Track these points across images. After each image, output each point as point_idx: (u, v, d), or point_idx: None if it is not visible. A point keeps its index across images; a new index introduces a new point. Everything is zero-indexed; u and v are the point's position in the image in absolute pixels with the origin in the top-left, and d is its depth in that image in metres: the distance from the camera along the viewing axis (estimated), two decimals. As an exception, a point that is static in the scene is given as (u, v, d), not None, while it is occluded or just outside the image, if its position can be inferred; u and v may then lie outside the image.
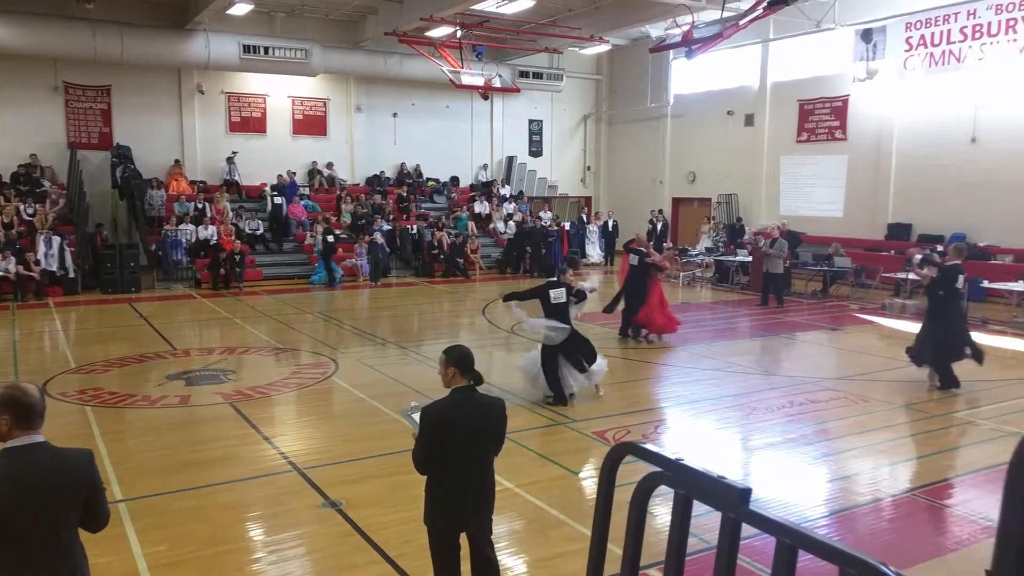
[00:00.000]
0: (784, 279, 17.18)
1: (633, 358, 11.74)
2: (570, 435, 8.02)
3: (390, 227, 21.92)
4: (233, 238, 19.76)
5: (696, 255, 21.62)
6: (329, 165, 24.18)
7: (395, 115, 25.19)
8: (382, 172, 25.06)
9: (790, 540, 1.24)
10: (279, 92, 23.40)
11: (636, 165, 27.71)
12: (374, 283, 20.18)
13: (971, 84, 17.79)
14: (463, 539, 4.21)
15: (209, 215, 20.61)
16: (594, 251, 25.04)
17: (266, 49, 21.14)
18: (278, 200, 21.86)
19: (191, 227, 19.93)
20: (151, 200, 20.34)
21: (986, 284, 15.31)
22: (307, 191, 23.20)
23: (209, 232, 19.86)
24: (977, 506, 6.08)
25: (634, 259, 12.57)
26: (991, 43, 17.09)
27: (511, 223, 24.20)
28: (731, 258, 20.26)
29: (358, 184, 24.69)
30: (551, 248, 22.75)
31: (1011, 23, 16.70)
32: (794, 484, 6.78)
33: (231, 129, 22.90)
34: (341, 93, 24.37)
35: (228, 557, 5.25)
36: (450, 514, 4.05)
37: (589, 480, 6.83)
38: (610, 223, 25.19)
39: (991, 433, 7.96)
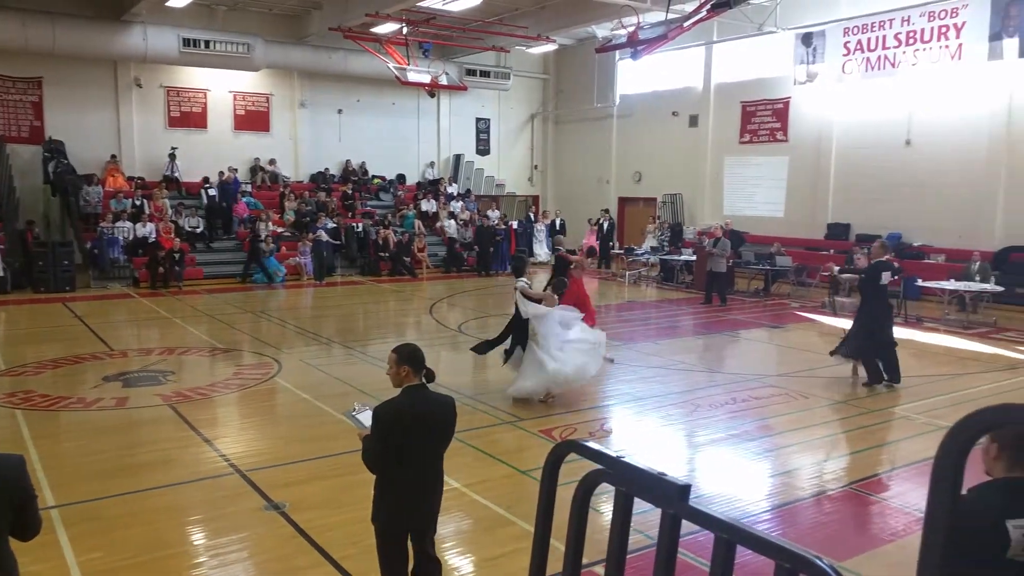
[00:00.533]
0: (727, 278, 17.49)
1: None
2: (517, 434, 8.01)
3: (335, 225, 21.64)
4: (172, 236, 19.26)
5: (642, 254, 21.86)
6: (272, 162, 23.75)
7: (340, 111, 24.88)
8: (327, 169, 24.73)
9: (727, 535, 1.24)
10: (220, 87, 22.89)
11: (583, 164, 27.89)
12: (319, 282, 19.90)
13: (905, 88, 18.35)
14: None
15: (147, 212, 20.05)
16: (541, 250, 25.12)
17: (207, 43, 20.66)
18: (212, 192, 21.35)
19: (128, 224, 19.36)
20: (86, 196, 19.69)
21: (920, 283, 15.80)
22: (249, 188, 22.75)
23: (147, 230, 19.33)
24: (912, 498, 6.26)
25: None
26: (924, 49, 17.66)
27: (457, 221, 24.11)
28: (675, 257, 20.54)
29: (302, 181, 24.32)
30: (499, 247, 22.76)
31: (943, 30, 17.28)
32: (737, 479, 6.89)
33: (170, 124, 22.32)
34: (285, 88, 23.97)
35: (167, 562, 5.11)
36: (400, 513, 4.02)
37: (536, 478, 6.82)
38: (557, 222, 25.30)
39: (924, 427, 8.21)
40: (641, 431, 8.30)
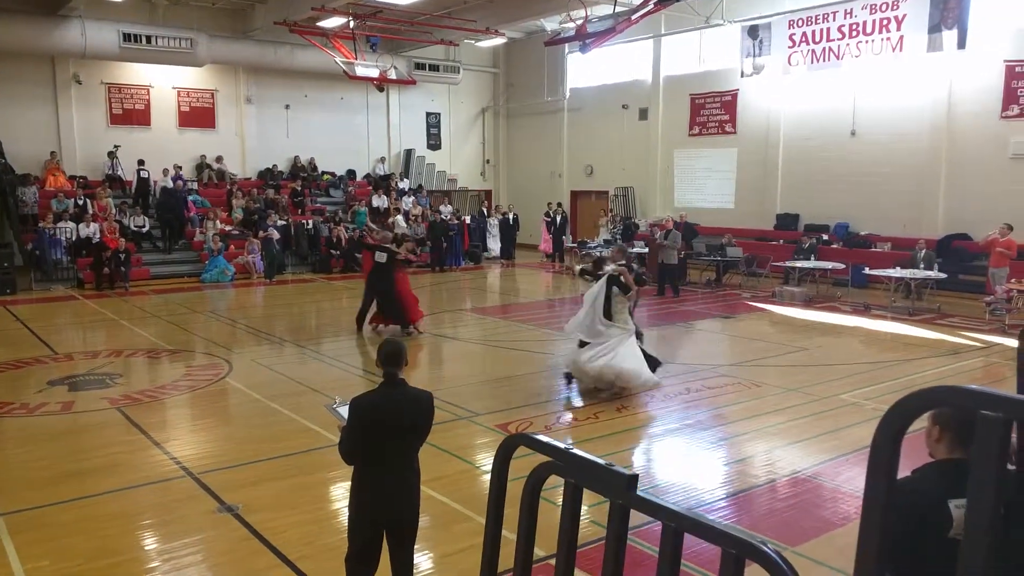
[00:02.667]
0: (679, 269, 17.69)
1: (535, 350, 11.81)
2: (473, 429, 7.98)
3: (284, 222, 21.30)
4: (117, 236, 18.74)
5: (594, 247, 21.96)
6: (219, 159, 23.28)
7: (287, 107, 24.49)
8: (275, 166, 24.33)
9: (675, 524, 1.23)
10: (164, 83, 22.34)
11: (535, 158, 27.93)
12: (269, 280, 19.57)
13: (850, 80, 18.74)
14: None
15: (91, 212, 19.47)
16: (495, 245, 25.09)
17: (148, 38, 20.11)
18: (144, 174, 20.99)
19: (71, 225, 18.78)
20: (23, 196, 19.05)
21: (867, 271, 16.17)
22: (195, 186, 22.26)
23: (91, 230, 18.77)
24: (861, 483, 6.35)
25: (382, 256, 12.35)
26: (867, 41, 18.03)
27: (409, 217, 23.91)
28: (628, 250, 20.66)
29: (250, 178, 23.88)
30: (452, 242, 22.66)
31: (884, 22, 17.67)
32: (692, 468, 6.96)
33: (112, 122, 21.71)
34: (230, 84, 23.49)
35: (117, 569, 4.99)
36: (374, 505, 4.02)
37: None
38: (510, 216, 25.28)
39: (872, 413, 8.39)
40: (597, 423, 8.33)
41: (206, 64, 21.94)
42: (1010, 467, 3.09)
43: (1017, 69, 16.14)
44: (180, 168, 21.94)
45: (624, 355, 8.75)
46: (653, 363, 9.13)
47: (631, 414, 8.52)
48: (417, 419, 4.08)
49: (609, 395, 9.00)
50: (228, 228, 20.80)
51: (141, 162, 21.14)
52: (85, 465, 6.84)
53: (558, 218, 24.36)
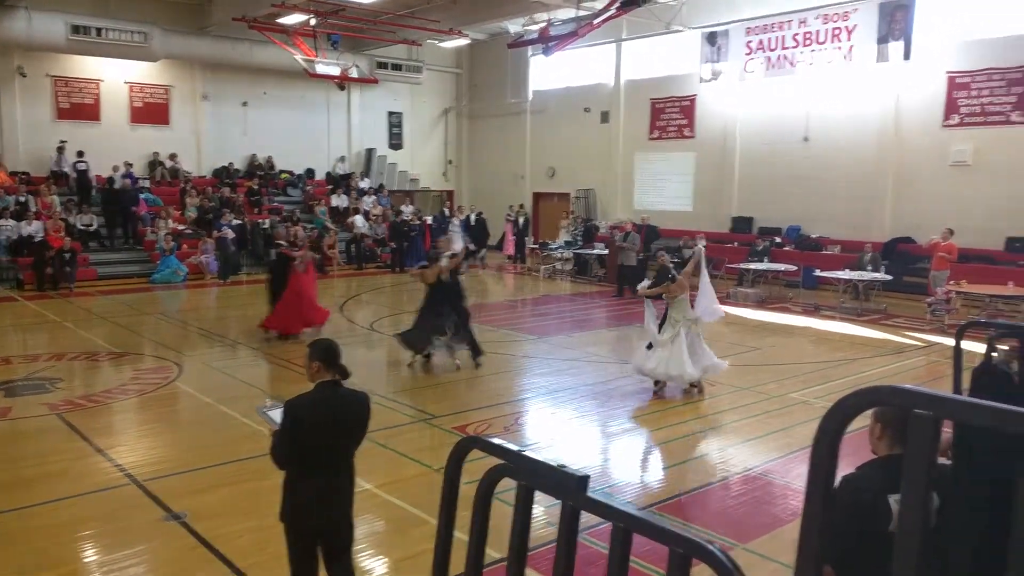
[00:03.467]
0: (638, 271, 17.83)
1: (496, 351, 11.81)
2: (430, 431, 7.96)
3: (240, 222, 20.97)
4: (62, 235, 18.22)
5: (556, 248, 22.08)
6: (173, 156, 22.83)
7: (245, 104, 24.12)
8: (231, 164, 23.93)
9: (624, 524, 1.24)
10: (115, 77, 21.82)
11: (497, 160, 27.94)
12: (223, 281, 19.24)
13: (803, 87, 19.12)
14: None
15: (34, 210, 18.89)
16: (458, 246, 24.93)
17: (99, 30, 19.60)
18: (82, 167, 20.46)
19: (12, 223, 18.20)
20: (-38, 193, 18.45)
21: (818, 273, 16.50)
22: (148, 184, 21.79)
23: (33, 228, 18.20)
24: (810, 479, 6.51)
25: (271, 252, 12.13)
26: (819, 50, 18.43)
27: (369, 217, 23.72)
28: (589, 251, 20.83)
29: (205, 176, 23.47)
30: (413, 243, 22.55)
31: (836, 32, 18.08)
32: (648, 467, 7.03)
33: (59, 116, 21.12)
34: (185, 80, 23.05)
35: (56, 581, 4.84)
36: (310, 510, 3.93)
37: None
38: (472, 217, 25.23)
39: (821, 411, 8.39)
40: (555, 423, 8.36)
41: (160, 59, 21.50)
42: (944, 461, 3.19)
43: (958, 80, 16.63)
44: (131, 165, 21.45)
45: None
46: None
47: (589, 413, 8.57)
48: (354, 421, 4.00)
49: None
50: (181, 227, 20.40)
51: (80, 153, 20.54)
52: (23, 474, 6.61)
53: (520, 220, 24.40)
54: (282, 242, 12.42)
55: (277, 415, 4.01)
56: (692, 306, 9.08)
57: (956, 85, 16.69)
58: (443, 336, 10.00)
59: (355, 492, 4.11)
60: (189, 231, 20.41)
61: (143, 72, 22.14)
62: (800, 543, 1.17)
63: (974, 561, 2.74)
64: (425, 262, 12.60)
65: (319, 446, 3.86)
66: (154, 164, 22.57)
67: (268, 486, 6.40)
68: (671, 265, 9.40)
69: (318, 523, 3.98)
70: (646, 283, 9.46)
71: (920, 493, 1.05)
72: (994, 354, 3.28)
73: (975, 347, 3.39)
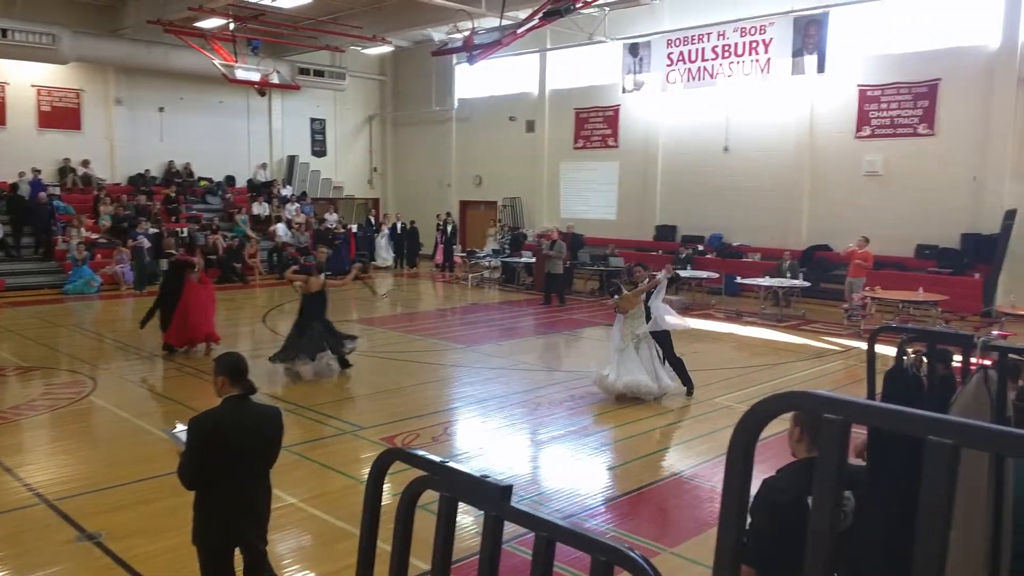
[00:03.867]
0: (564, 279, 18.02)
1: (424, 360, 11.73)
2: (357, 443, 7.84)
3: (157, 231, 20.29)
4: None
5: (483, 257, 22.10)
6: (85, 163, 21.95)
7: (162, 110, 23.39)
8: (147, 171, 23.15)
9: (546, 533, 1.24)
10: (21, 80, 20.86)
11: (423, 167, 27.82)
12: (139, 291, 18.52)
13: (723, 98, 19.68)
14: (239, 557, 3.97)
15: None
16: (387, 255, 24.73)
17: (3, 31, 18.72)
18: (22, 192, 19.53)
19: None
20: None
21: (739, 280, 16.96)
22: (58, 191, 20.87)
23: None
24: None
25: (162, 263, 11.55)
26: (738, 62, 19.01)
27: (292, 225, 23.27)
28: (516, 260, 20.93)
29: (119, 183, 22.63)
30: (338, 251, 22.21)
31: (753, 45, 18.68)
32: (577, 475, 7.08)
33: (-39, 120, 20.09)
34: (98, 84, 22.21)
35: (-44, 611, 4.57)
36: (221, 531, 3.83)
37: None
38: (398, 225, 25.04)
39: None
40: (484, 432, 8.35)
41: (71, 62, 20.67)
42: (860, 462, 3.32)
43: (868, 93, 17.41)
44: (39, 172, 20.53)
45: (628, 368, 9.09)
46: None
47: (518, 422, 8.59)
48: (264, 437, 3.89)
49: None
50: (95, 236, 19.62)
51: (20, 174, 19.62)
52: (-77, 495, 6.26)
53: (448, 228, 24.34)
54: (173, 252, 11.81)
55: (184, 435, 3.90)
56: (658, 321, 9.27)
57: (867, 98, 17.46)
58: (324, 352, 10.21)
59: (280, 506, 4.02)
60: (103, 240, 19.63)
61: (52, 75, 21.24)
62: (718, 544, 1.19)
63: (888, 558, 2.86)
64: (297, 266, 12.99)
65: (226, 464, 3.74)
66: (65, 171, 21.66)
67: (186, 502, 6.15)
68: (647, 280, 9.42)
69: (231, 543, 3.89)
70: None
71: (830, 493, 1.09)
72: (905, 358, 3.41)
73: (889, 351, 3.53)
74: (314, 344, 10.10)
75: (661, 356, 9.29)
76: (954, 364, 3.41)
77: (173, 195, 22.32)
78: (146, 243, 19.28)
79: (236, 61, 19.96)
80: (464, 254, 23.00)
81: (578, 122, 23.11)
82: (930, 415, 1.08)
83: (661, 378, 9.19)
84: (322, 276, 10.55)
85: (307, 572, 5.21)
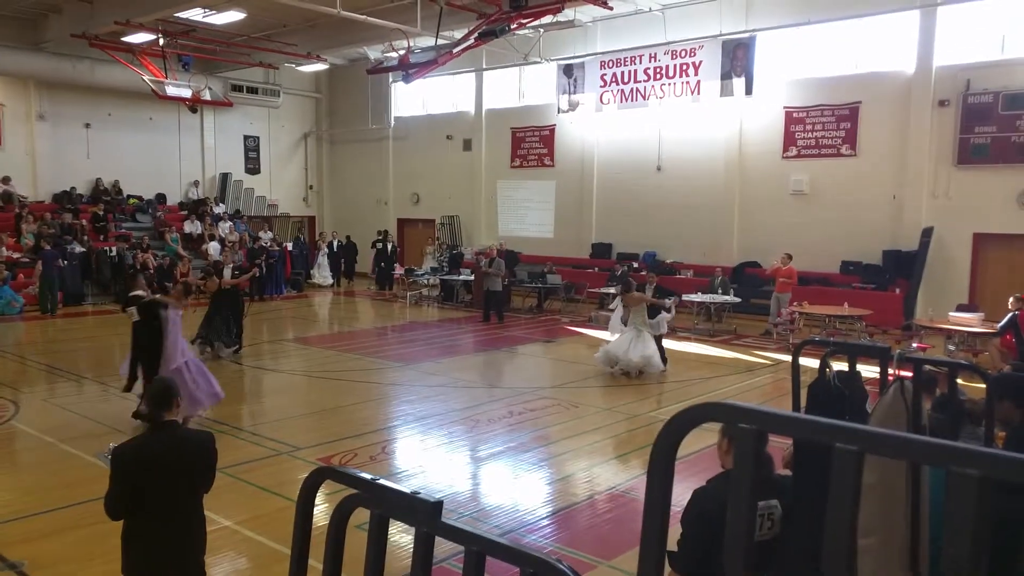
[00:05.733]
0: (503, 296, 18.10)
1: (363, 380, 11.62)
2: (294, 464, 7.71)
3: (84, 249, 19.64)
4: None
5: (422, 275, 22.03)
6: (5, 179, 21.11)
7: (88, 126, 22.69)
8: (73, 188, 22.40)
9: (477, 547, 1.27)
10: (-63, 94, 20.04)
11: (360, 185, 27.62)
12: (46, 314, 17.67)
13: (655, 119, 20.12)
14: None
15: None
16: (324, 274, 24.38)
17: (-82, 43, 17.98)
18: None
19: None
20: None
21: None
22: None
23: None
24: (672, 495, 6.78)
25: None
26: (669, 84, 19.49)
27: (226, 244, 22.80)
28: (455, 277, 20.92)
29: (43, 201, 21.85)
30: (273, 269, 21.87)
31: (684, 67, 19.19)
32: (516, 490, 7.11)
33: None
34: (19, 98, 21.43)
35: None
36: (150, 562, 3.70)
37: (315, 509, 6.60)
38: (335, 243, 24.77)
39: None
40: (423, 450, 8.31)
41: (-10, 75, 19.94)
42: (788, 473, 3.43)
43: (794, 115, 18.05)
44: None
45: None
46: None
47: (457, 439, 8.58)
48: (191, 462, 3.78)
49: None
50: (16, 255, 18.87)
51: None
52: None
53: (389, 246, 24.15)
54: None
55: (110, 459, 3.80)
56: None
57: (793, 119, 18.10)
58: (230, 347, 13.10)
59: (215, 529, 3.93)
60: (26, 259, 18.90)
61: (-31, 89, 20.43)
62: (641, 552, 1.24)
63: (813, 563, 2.97)
64: (207, 272, 15.08)
65: (152, 493, 3.62)
66: (-17, 187, 20.80)
67: (115, 528, 5.97)
68: (653, 294, 12.29)
69: (163, 574, 3.77)
70: (647, 293, 12.17)
71: (745, 500, 1.15)
72: (827, 371, 3.55)
73: (814, 364, 3.67)
74: (215, 331, 12.92)
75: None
76: (871, 376, 3.56)
77: (101, 213, 21.64)
78: (62, 262, 18.47)
79: (166, 77, 19.58)
80: (402, 272, 22.87)
81: (515, 141, 23.31)
82: (836, 423, 1.15)
83: (646, 351, 11.59)
84: (218, 279, 13.30)
85: (242, 598, 5.10)
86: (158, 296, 9.14)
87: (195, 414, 8.60)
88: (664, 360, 11.93)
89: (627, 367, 11.57)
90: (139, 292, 9.37)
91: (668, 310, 12.36)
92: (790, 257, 15.67)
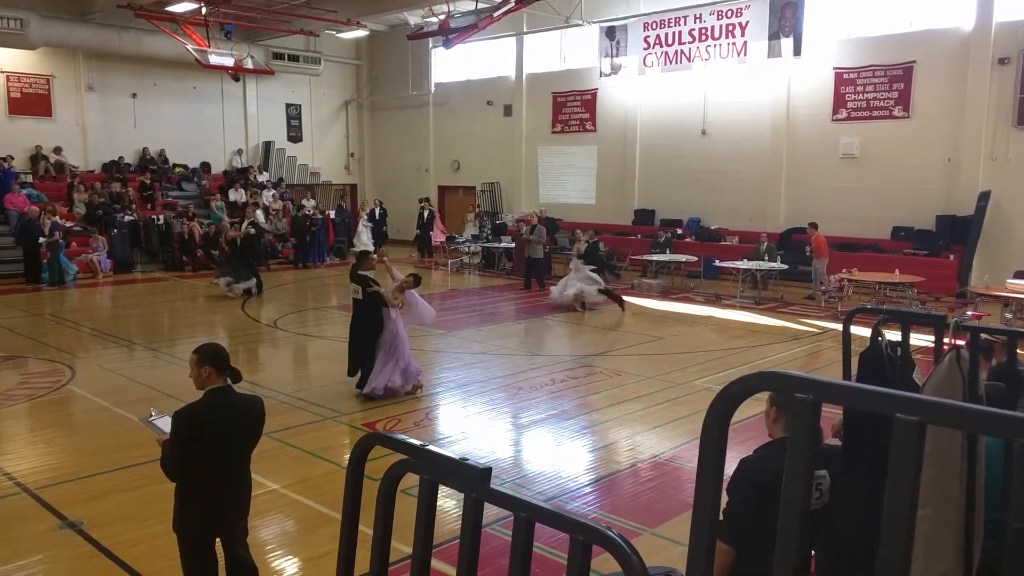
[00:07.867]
0: (544, 264, 18.04)
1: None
2: (339, 429, 7.85)
3: (133, 217, 20.04)
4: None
5: (463, 242, 22.06)
6: (57, 150, 21.61)
7: (135, 96, 23.04)
8: (121, 158, 22.84)
9: (525, 514, 1.26)
10: (-10, 66, 20.48)
11: (401, 153, 27.66)
12: (51, 284, 17.25)
13: (700, 82, 19.71)
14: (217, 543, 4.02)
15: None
16: (366, 239, 24.50)
17: (-30, 16, 18.35)
18: None
19: None
20: None
21: (717, 263, 17.07)
22: (30, 179, 20.54)
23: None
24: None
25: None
26: (714, 46, 19.04)
27: (269, 212, 23.07)
28: (496, 245, 20.90)
29: (93, 171, 22.32)
30: (315, 238, 22.10)
31: (730, 28, 18.71)
32: (559, 457, 7.14)
33: (-71, 106, 19.68)
34: (68, 70, 21.83)
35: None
36: (204, 521, 3.85)
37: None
38: (376, 211, 24.92)
39: (722, 395, 8.86)
40: (466, 417, 8.38)
41: (40, 47, 20.30)
42: (837, 442, 3.37)
43: (844, 76, 17.52)
44: (11, 159, 20.21)
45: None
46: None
47: (499, 406, 8.63)
48: (245, 426, 3.90)
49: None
50: (69, 224, 19.35)
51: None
52: (-100, 487, 6.20)
53: (426, 213, 24.21)
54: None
55: (164, 423, 3.90)
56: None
57: (843, 81, 17.57)
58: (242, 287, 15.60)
59: (262, 492, 4.06)
60: (78, 228, 19.38)
61: (21, 61, 20.85)
62: (693, 521, 1.22)
63: (863, 533, 2.92)
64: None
65: (210, 456, 3.75)
66: (36, 158, 21.31)
67: (167, 490, 6.14)
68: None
69: (214, 532, 3.92)
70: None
71: (802, 471, 1.12)
72: (880, 339, 3.46)
73: (866, 332, 3.58)
74: (234, 272, 15.65)
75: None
76: (926, 345, 3.46)
77: (148, 182, 22.05)
78: (60, 225, 18.64)
79: (209, 46, 19.73)
80: (443, 240, 22.93)
81: (556, 106, 23.06)
82: (897, 393, 1.11)
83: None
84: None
85: (290, 557, 5.23)
86: (382, 290, 8.66)
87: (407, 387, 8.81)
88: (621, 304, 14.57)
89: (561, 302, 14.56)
90: (367, 274, 8.88)
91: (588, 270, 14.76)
92: (815, 226, 15.45)
